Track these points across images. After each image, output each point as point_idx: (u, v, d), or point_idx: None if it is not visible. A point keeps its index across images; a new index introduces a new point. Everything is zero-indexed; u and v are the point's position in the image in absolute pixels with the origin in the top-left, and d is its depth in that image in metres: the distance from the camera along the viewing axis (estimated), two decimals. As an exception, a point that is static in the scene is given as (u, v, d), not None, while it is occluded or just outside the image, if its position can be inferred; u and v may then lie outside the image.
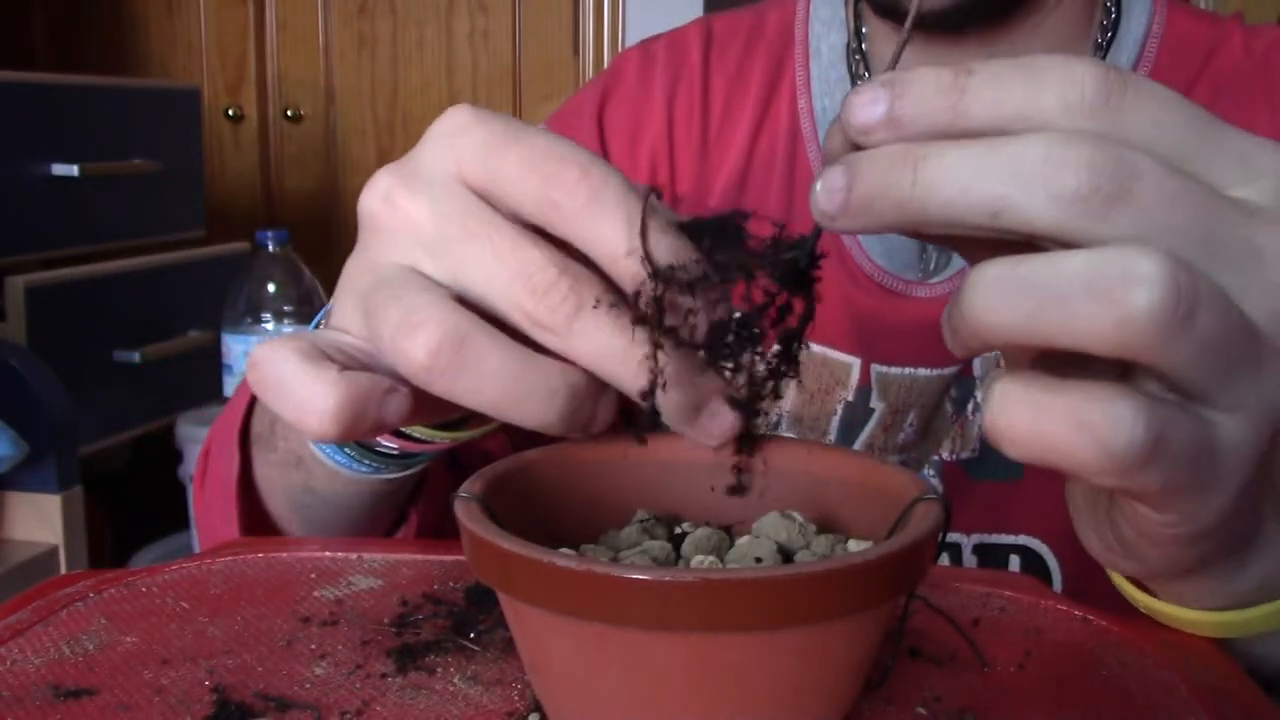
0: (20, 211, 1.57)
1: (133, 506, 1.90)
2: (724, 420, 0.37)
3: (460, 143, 0.37)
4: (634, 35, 2.19)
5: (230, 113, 2.40)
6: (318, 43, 2.38)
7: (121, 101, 1.74)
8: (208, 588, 0.47)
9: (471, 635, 0.42)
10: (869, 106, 0.31)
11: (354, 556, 0.50)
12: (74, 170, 1.60)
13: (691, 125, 0.78)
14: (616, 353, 0.35)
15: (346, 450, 0.50)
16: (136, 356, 1.64)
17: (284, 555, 0.50)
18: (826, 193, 0.32)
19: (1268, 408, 0.30)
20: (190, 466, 1.67)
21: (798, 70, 0.78)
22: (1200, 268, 0.29)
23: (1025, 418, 0.29)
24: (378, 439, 0.49)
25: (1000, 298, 0.29)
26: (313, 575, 0.48)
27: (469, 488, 0.36)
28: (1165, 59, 0.70)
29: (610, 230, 0.35)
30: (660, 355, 0.35)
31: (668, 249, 0.35)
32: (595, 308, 0.35)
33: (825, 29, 0.78)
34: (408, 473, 0.53)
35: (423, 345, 0.35)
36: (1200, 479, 0.30)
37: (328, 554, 0.50)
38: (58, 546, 1.43)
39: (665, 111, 0.79)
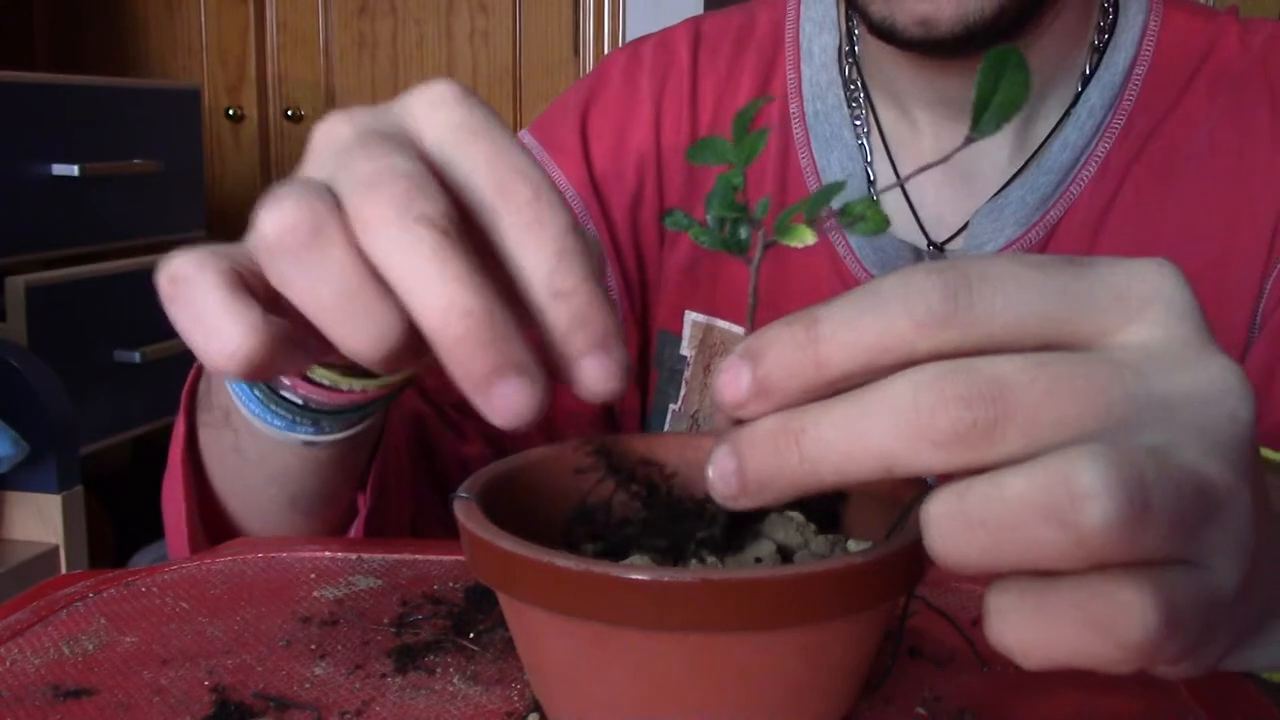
0: (20, 211, 1.57)
1: (133, 506, 1.90)
2: (514, 399, 0.32)
3: (435, 115, 0.36)
4: (634, 35, 2.19)
5: (230, 113, 2.40)
6: (318, 43, 2.38)
7: (121, 101, 1.74)
8: (208, 588, 0.47)
9: (471, 635, 0.42)
10: (734, 384, 0.31)
11: (354, 556, 0.50)
12: (74, 170, 1.60)
13: (680, 130, 0.77)
14: (423, 277, 0.32)
15: (256, 393, 0.48)
16: (136, 356, 1.64)
17: (284, 555, 0.50)
18: (721, 479, 0.31)
19: (1240, 539, 0.29)
20: (190, 466, 1.67)
21: (789, 73, 0.76)
22: (1122, 443, 0.27)
23: (1032, 631, 0.28)
24: (280, 381, 0.47)
25: (953, 538, 0.28)
26: (313, 575, 0.48)
27: (468, 488, 0.36)
28: (1163, 58, 0.70)
29: (537, 258, 0.34)
30: (474, 300, 0.32)
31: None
32: (420, 222, 0.32)
33: (817, 29, 0.77)
34: (328, 437, 0.51)
35: (276, 221, 0.33)
36: (1210, 628, 0.29)
37: (327, 554, 0.50)
38: (58, 546, 1.43)
39: (653, 115, 0.77)
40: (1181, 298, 0.30)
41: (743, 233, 0.35)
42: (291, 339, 0.34)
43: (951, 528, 0.28)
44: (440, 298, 0.32)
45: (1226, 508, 0.28)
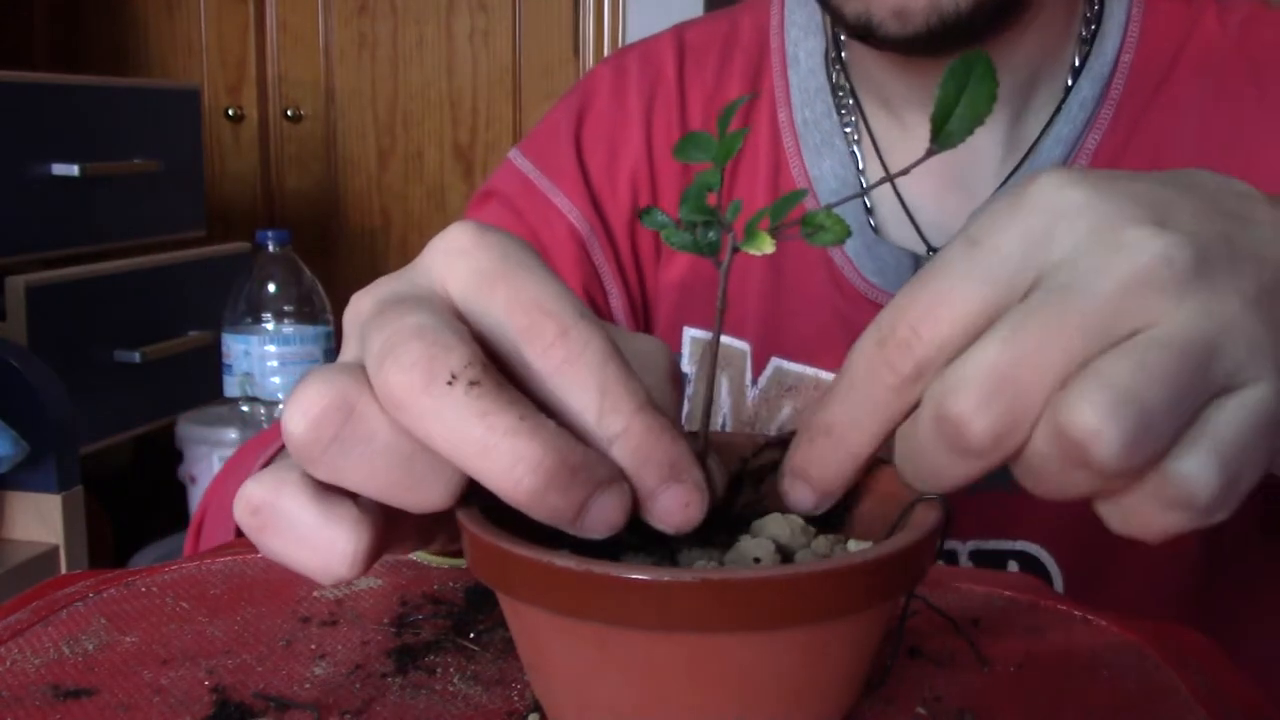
0: (20, 211, 1.57)
1: (133, 506, 1.90)
2: (606, 517, 0.31)
3: (454, 266, 0.34)
4: (634, 35, 2.19)
5: (230, 113, 2.40)
6: (318, 43, 2.38)
7: (121, 101, 1.74)
8: (208, 588, 0.47)
9: (471, 635, 0.42)
10: (802, 504, 0.36)
11: (354, 556, 0.50)
12: (74, 170, 1.60)
13: (671, 145, 0.76)
14: (472, 441, 0.30)
15: None
16: (137, 356, 1.64)
17: (284, 555, 0.50)
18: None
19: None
20: (190, 466, 1.67)
21: (776, 81, 0.76)
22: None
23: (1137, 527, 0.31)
24: None
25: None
26: (313, 575, 0.48)
27: (468, 489, 0.36)
28: (1147, 45, 0.70)
29: (580, 401, 0.31)
30: (536, 448, 0.30)
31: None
32: (450, 383, 0.30)
33: (802, 34, 0.76)
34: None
35: (301, 416, 0.31)
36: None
37: (328, 554, 0.50)
38: (58, 546, 1.43)
39: (643, 132, 0.77)
40: (1071, 199, 0.31)
41: (712, 235, 0.35)
42: (391, 514, 0.33)
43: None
44: (501, 457, 0.30)
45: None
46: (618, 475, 0.31)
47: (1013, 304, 0.31)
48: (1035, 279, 0.31)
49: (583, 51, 2.27)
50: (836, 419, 0.34)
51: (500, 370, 0.31)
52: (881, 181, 0.37)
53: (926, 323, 0.31)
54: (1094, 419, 0.28)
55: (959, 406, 0.30)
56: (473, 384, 0.30)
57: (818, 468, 0.34)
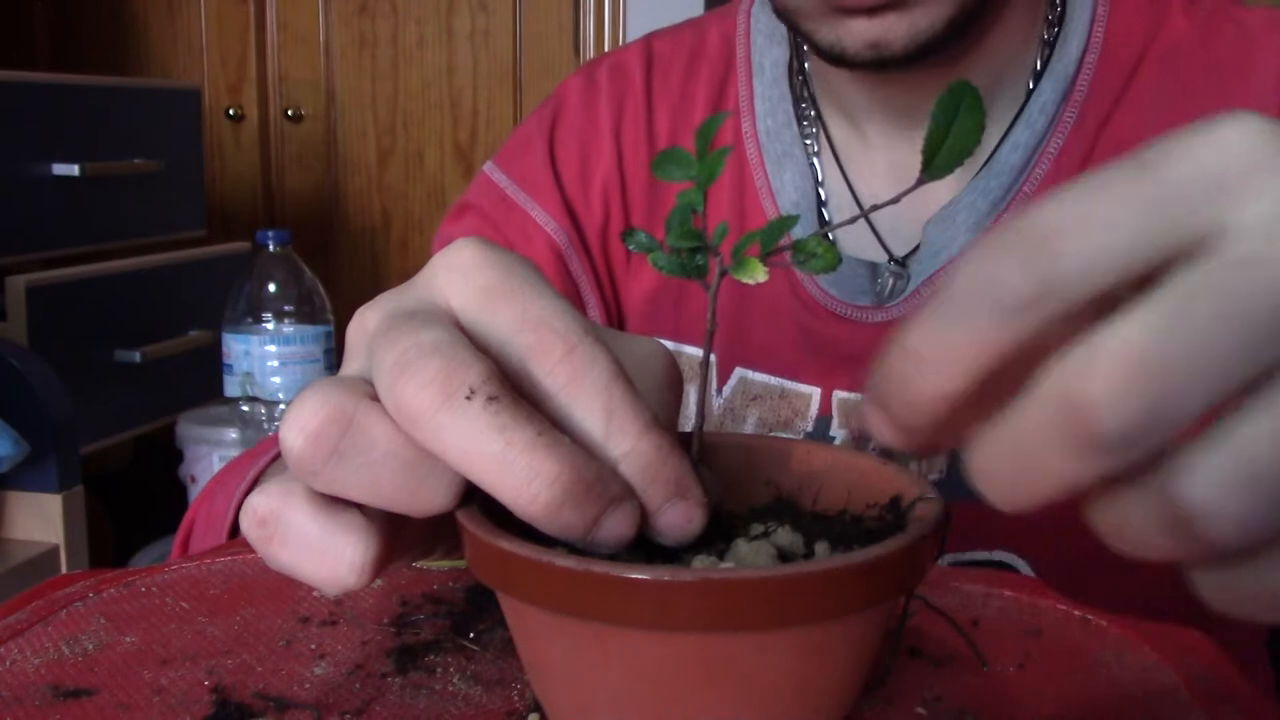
0: (20, 211, 1.57)
1: (133, 506, 1.90)
2: (618, 531, 0.32)
3: (458, 283, 0.34)
4: (634, 35, 2.19)
5: (230, 113, 2.40)
6: (318, 43, 2.38)
7: (121, 101, 1.74)
8: (208, 588, 0.47)
9: (471, 635, 0.42)
10: (881, 434, 0.28)
11: (354, 556, 0.50)
12: (74, 170, 1.60)
13: (639, 156, 0.76)
14: (490, 456, 0.30)
15: None
16: (137, 356, 1.65)
17: (284, 555, 0.50)
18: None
19: None
20: (191, 466, 1.67)
21: (740, 90, 0.76)
22: None
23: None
24: None
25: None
26: (313, 575, 0.48)
27: (468, 490, 0.36)
28: (1112, 45, 0.69)
29: (586, 420, 0.32)
30: (553, 463, 0.30)
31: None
32: (468, 398, 0.30)
33: (767, 42, 0.76)
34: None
35: (300, 429, 0.31)
36: None
37: (328, 554, 0.50)
38: (58, 546, 1.43)
39: (613, 144, 0.77)
40: (1275, 150, 0.24)
41: (700, 259, 0.35)
42: (394, 523, 0.33)
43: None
44: (520, 472, 0.30)
45: None
46: (629, 491, 0.32)
47: (1175, 253, 0.24)
48: (1209, 231, 0.24)
49: (583, 51, 2.27)
50: (925, 340, 0.26)
51: None
52: (869, 211, 0.36)
53: (1071, 236, 0.24)
54: (1208, 493, 0.23)
55: (1096, 388, 0.23)
56: (491, 399, 0.30)
57: (897, 401, 0.27)
